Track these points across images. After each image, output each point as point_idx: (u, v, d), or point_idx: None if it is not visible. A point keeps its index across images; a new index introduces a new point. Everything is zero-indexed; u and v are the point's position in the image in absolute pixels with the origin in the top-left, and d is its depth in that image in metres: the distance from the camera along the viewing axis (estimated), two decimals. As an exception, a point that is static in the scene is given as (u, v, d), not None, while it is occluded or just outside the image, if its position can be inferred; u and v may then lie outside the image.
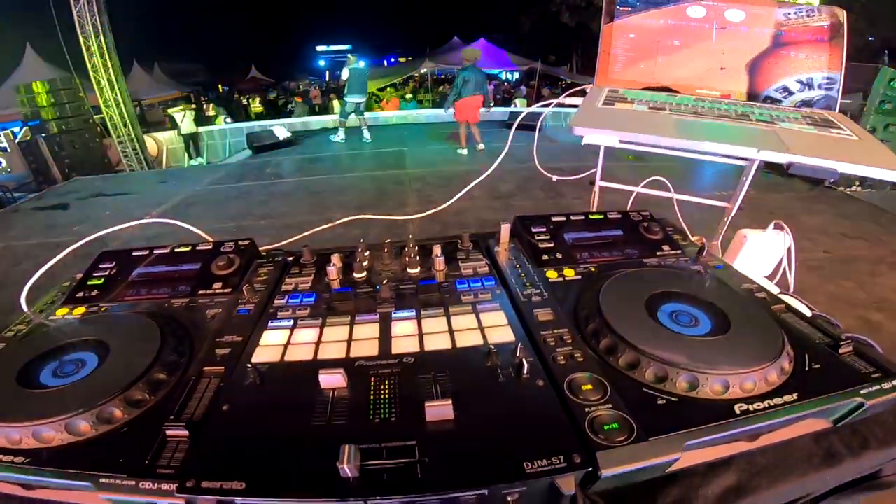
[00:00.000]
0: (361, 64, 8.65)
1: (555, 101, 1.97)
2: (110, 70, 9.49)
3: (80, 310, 1.02)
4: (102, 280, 1.12)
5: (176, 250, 1.21)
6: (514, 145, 1.95)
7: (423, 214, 1.86)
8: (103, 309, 1.02)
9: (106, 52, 9.38)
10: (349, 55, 8.74)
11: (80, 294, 1.08)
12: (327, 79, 29.05)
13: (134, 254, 1.20)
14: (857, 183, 5.80)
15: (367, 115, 9.41)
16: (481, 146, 8.06)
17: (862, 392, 0.72)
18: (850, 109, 6.36)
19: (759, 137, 1.31)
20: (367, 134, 9.27)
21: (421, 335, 0.85)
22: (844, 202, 5.28)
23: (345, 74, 8.67)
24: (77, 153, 9.78)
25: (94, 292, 1.08)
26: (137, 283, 1.12)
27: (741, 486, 0.73)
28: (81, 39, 9.16)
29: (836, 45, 1.60)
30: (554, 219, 1.26)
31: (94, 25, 9.10)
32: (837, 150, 1.26)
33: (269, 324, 0.91)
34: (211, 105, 13.38)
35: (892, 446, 0.80)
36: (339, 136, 9.30)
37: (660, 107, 1.56)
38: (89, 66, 9.39)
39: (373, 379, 0.74)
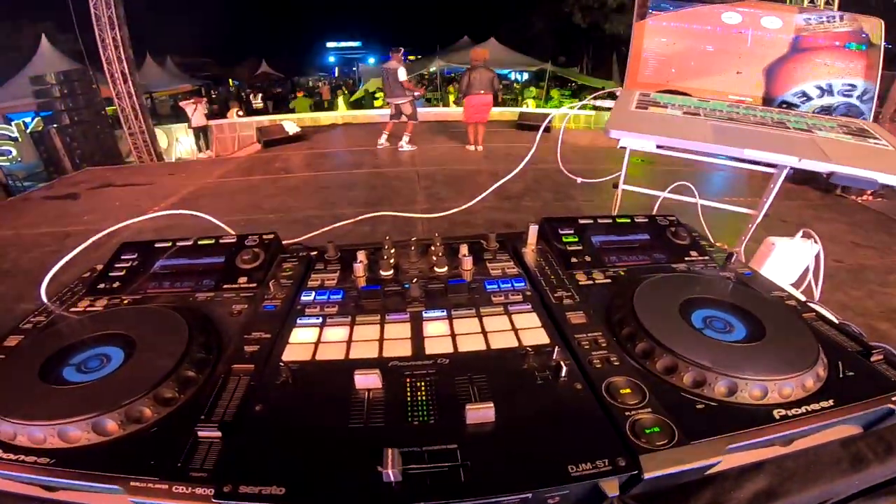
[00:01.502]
0: (393, 61, 7.61)
1: (576, 103, 1.95)
2: (124, 62, 9.50)
3: (102, 302, 1.01)
4: (124, 272, 1.10)
5: (199, 243, 1.20)
6: (521, 146, 1.94)
7: (440, 214, 1.85)
8: (125, 301, 1.00)
9: (121, 44, 9.39)
10: (391, 50, 7.78)
11: (102, 286, 1.06)
12: (336, 74, 29.07)
13: (156, 245, 1.19)
14: (870, 192, 5.76)
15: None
16: (480, 147, 8.00)
17: (893, 399, 0.73)
18: (865, 117, 6.30)
19: (799, 146, 1.30)
20: (404, 139, 8.22)
21: (454, 336, 0.84)
22: (856, 211, 5.26)
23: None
24: (88, 144, 9.84)
25: (116, 284, 1.06)
26: (160, 275, 1.10)
27: (772, 490, 0.73)
28: (97, 31, 9.18)
29: (873, 55, 1.58)
30: (581, 221, 1.25)
31: (110, 18, 9.12)
32: (877, 160, 1.24)
33: (298, 321, 0.89)
34: (194, 106, 11.94)
35: (915, 452, 0.79)
36: (380, 139, 8.40)
37: (694, 112, 1.54)
38: (103, 59, 9.41)
39: (408, 380, 0.73)
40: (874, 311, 3.25)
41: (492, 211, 4.74)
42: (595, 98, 1.91)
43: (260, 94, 19.00)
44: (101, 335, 0.84)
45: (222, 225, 1.43)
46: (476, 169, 6.84)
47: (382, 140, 8.37)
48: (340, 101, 16.59)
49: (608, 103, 1.60)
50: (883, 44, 1.57)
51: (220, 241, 1.19)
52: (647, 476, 0.59)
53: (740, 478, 0.74)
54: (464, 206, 1.72)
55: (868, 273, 3.79)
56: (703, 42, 1.74)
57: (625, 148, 1.40)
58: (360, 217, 1.72)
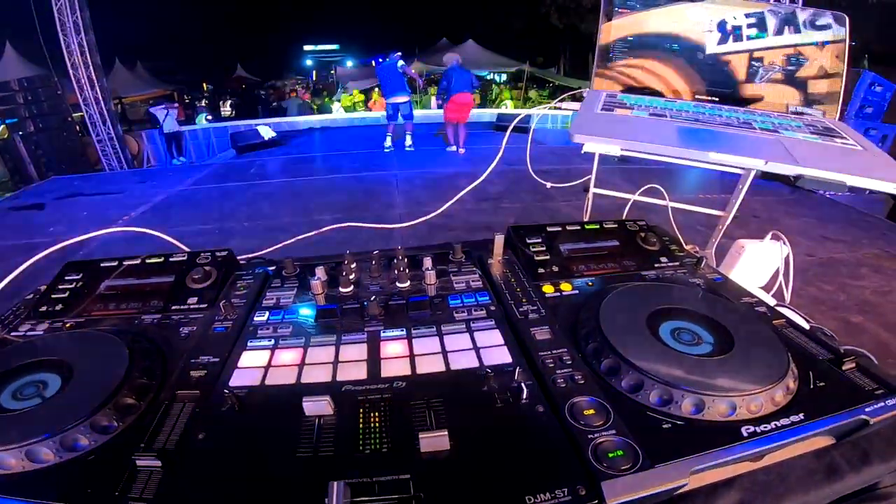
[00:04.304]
0: (389, 58, 7.62)
1: (548, 104, 1.93)
2: (90, 68, 9.25)
3: (44, 325, 0.96)
4: (68, 293, 1.05)
5: (147, 261, 1.14)
6: (499, 147, 1.92)
7: (413, 223, 1.81)
8: (68, 325, 0.96)
9: (87, 49, 9.13)
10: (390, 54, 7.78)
11: (44, 308, 1.01)
12: (314, 78, 28.77)
13: (102, 265, 1.13)
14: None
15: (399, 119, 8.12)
16: (462, 150, 8.02)
17: (867, 410, 0.71)
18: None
19: (765, 148, 1.29)
20: (408, 141, 8.24)
21: (412, 357, 0.80)
22: (825, 205, 5.37)
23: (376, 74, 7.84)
24: (55, 152, 9.53)
25: (59, 306, 1.01)
26: (106, 296, 1.05)
27: (744, 505, 0.71)
28: (61, 37, 8.91)
29: (839, 49, 1.58)
30: (549, 229, 1.22)
31: (76, 23, 8.87)
32: (845, 162, 1.23)
33: (249, 343, 0.85)
34: (165, 112, 11.20)
35: (892, 459, 0.78)
36: (386, 143, 8.32)
37: (660, 113, 1.52)
38: (68, 64, 9.14)
39: (362, 405, 0.69)
40: (847, 305, 3.30)
41: (471, 213, 4.71)
42: (562, 101, 1.89)
43: (229, 101, 17.46)
44: (37, 361, 0.80)
45: (176, 242, 1.36)
46: (455, 171, 6.82)
47: (388, 143, 8.31)
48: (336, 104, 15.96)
49: (577, 105, 1.58)
50: (847, 38, 1.58)
51: (170, 259, 1.14)
52: (609, 503, 0.56)
53: (712, 494, 0.71)
54: (435, 212, 1.68)
55: (839, 267, 3.86)
56: (672, 40, 1.73)
57: (579, 147, 1.37)
58: (326, 228, 1.67)
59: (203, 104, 15.82)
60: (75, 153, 10.11)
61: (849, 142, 1.35)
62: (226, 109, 16.35)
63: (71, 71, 9.20)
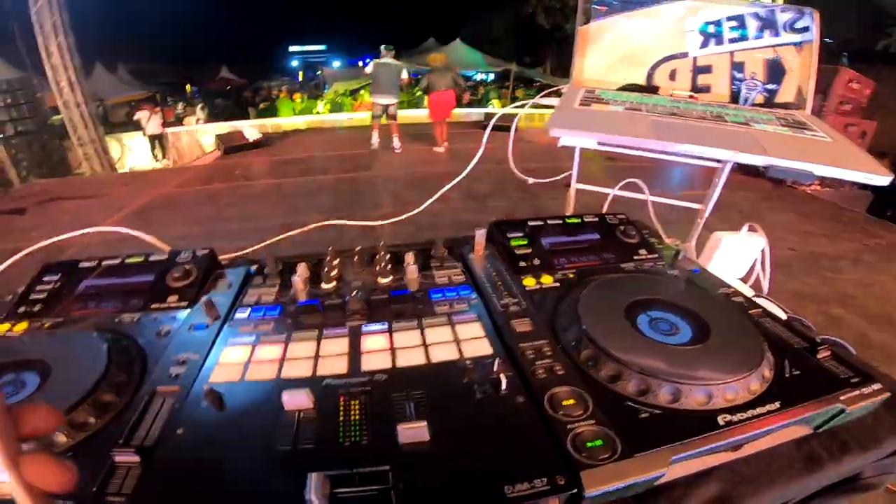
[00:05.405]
0: (389, 58, 7.46)
1: (529, 101, 1.95)
2: (70, 70, 9.08)
3: (22, 325, 0.94)
4: (46, 294, 1.03)
5: (127, 261, 1.13)
6: (488, 146, 1.93)
7: (396, 219, 1.81)
8: (47, 325, 0.94)
9: (66, 51, 8.97)
10: (382, 47, 7.50)
11: (22, 309, 0.99)
12: (300, 79, 28.61)
13: (81, 265, 1.11)
14: (818, 182, 6.01)
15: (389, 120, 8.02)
16: (445, 144, 8.06)
17: (842, 398, 0.71)
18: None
19: (736, 140, 1.31)
20: (396, 142, 8.13)
21: (393, 350, 0.80)
22: (807, 201, 5.48)
23: (369, 69, 7.60)
24: (35, 155, 9.36)
25: (38, 307, 0.99)
26: (85, 296, 1.03)
27: (725, 496, 0.72)
28: (39, 39, 8.73)
29: (808, 46, 1.62)
30: (530, 223, 1.22)
31: (55, 25, 8.70)
32: (813, 152, 1.26)
33: (230, 340, 0.85)
34: (148, 114, 10.97)
35: (871, 449, 0.80)
36: (373, 140, 8.22)
37: (636, 107, 1.53)
38: (48, 67, 8.96)
39: (342, 398, 0.69)
40: (828, 297, 3.38)
41: (458, 212, 4.72)
42: (544, 97, 1.91)
43: (199, 105, 15.39)
44: (15, 361, 0.79)
45: (155, 241, 1.35)
46: (443, 171, 6.82)
47: (375, 141, 8.26)
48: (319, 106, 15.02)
49: (555, 101, 1.60)
50: (817, 35, 1.61)
51: (150, 258, 1.13)
52: (588, 494, 0.56)
53: (692, 485, 0.72)
54: (415, 211, 1.68)
55: (821, 260, 3.95)
56: (650, 38, 1.75)
57: (570, 146, 1.39)
58: (309, 227, 1.66)
59: (181, 108, 14.89)
60: (56, 157, 9.94)
61: (818, 133, 1.39)
62: (196, 115, 14.82)
63: (50, 73, 9.03)
